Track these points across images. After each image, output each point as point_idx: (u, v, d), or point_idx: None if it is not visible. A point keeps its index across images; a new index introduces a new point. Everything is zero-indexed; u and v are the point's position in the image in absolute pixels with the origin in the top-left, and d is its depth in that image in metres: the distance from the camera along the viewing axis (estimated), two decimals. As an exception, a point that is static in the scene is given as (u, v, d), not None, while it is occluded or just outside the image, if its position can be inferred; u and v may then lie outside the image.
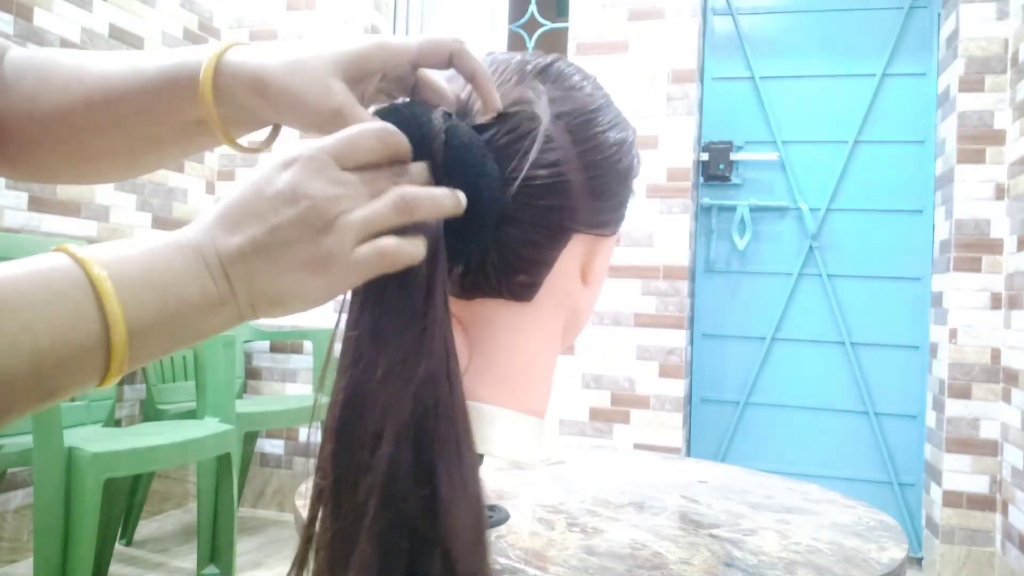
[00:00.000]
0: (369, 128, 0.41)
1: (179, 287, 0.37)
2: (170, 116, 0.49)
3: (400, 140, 0.42)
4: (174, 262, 0.38)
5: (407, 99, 0.47)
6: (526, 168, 0.46)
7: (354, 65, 0.44)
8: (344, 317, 0.43)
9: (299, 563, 0.41)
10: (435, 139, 0.43)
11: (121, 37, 2.69)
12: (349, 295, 0.43)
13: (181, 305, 0.37)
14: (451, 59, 0.45)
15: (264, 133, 0.53)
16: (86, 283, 0.35)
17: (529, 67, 0.49)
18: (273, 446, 3.00)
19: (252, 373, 3.03)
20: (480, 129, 0.46)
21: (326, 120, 0.44)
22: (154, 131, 0.50)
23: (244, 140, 0.51)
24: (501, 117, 0.46)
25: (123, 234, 2.70)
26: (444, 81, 0.48)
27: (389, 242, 0.39)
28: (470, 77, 0.46)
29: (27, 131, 0.50)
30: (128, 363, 0.36)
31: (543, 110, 0.47)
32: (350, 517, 0.39)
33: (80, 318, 0.34)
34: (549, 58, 0.50)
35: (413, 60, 0.45)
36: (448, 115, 0.45)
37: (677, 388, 2.74)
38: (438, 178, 0.43)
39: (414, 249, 0.40)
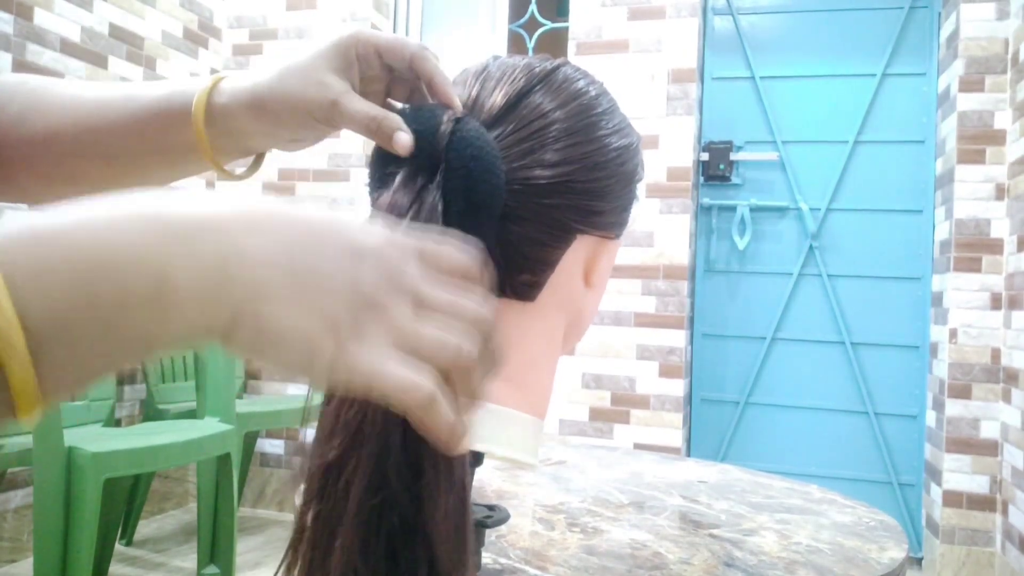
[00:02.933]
0: (453, 243, 0.36)
1: (149, 268, 0.28)
2: (161, 141, 0.51)
3: (471, 263, 0.36)
4: (144, 231, 0.28)
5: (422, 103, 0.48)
6: (530, 167, 0.46)
7: (338, 55, 0.47)
8: None
9: (294, 546, 0.41)
10: (442, 133, 0.44)
11: (121, 37, 2.69)
12: None
13: (145, 300, 0.28)
14: (411, 61, 0.47)
15: (247, 162, 0.56)
16: None
17: (535, 70, 0.50)
18: (273, 446, 3.00)
19: (252, 373, 3.03)
20: (486, 128, 0.46)
21: (326, 112, 0.46)
22: (142, 157, 0.52)
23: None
24: (507, 117, 0.47)
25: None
26: (451, 84, 0.48)
27: (431, 389, 0.32)
28: (428, 80, 0.47)
29: (12, 154, 0.51)
30: (50, 387, 0.26)
31: (548, 111, 0.48)
32: (333, 500, 0.39)
33: None
34: (555, 62, 0.51)
35: (380, 51, 0.47)
36: (455, 115, 0.45)
37: (677, 388, 2.74)
38: (443, 172, 0.44)
39: (453, 425, 0.34)
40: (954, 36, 2.65)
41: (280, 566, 0.41)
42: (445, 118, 0.44)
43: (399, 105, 0.49)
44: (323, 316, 0.31)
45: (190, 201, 0.30)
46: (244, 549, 2.47)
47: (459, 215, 0.43)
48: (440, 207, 0.43)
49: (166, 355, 0.28)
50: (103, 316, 0.27)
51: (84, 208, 0.28)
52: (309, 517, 0.40)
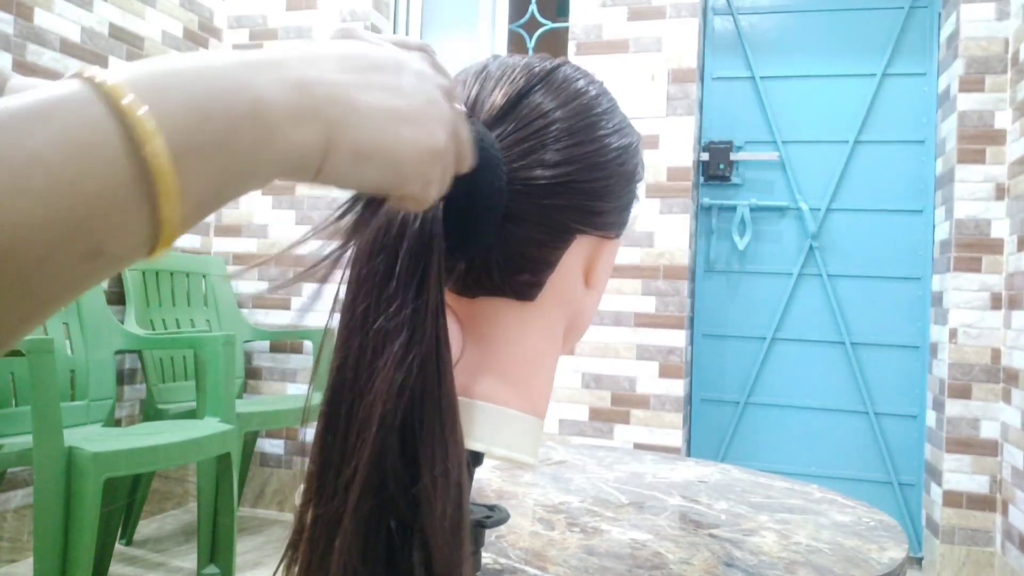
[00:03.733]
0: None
1: (243, 91, 0.30)
2: None
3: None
4: (229, 64, 0.31)
5: None
6: (530, 168, 0.46)
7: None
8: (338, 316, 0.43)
9: (293, 545, 0.41)
10: None
11: (121, 37, 2.69)
12: (343, 286, 0.43)
13: (247, 117, 0.30)
14: None
15: None
16: (104, 96, 0.27)
17: (535, 70, 0.49)
18: (273, 446, 3.00)
19: (252, 373, 3.03)
20: (487, 128, 0.46)
21: None
22: None
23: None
24: (507, 117, 0.47)
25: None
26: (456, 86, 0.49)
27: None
28: None
29: None
30: (182, 197, 0.28)
31: (548, 111, 0.48)
32: (333, 501, 0.39)
33: (98, 131, 0.26)
34: (555, 61, 0.51)
35: None
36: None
37: (677, 388, 2.74)
38: None
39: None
40: (954, 36, 2.65)
41: (279, 564, 0.41)
42: None
43: None
44: (418, 124, 0.35)
45: (260, 50, 0.33)
46: (244, 549, 2.47)
47: (461, 216, 0.43)
48: (442, 208, 0.42)
49: (280, 179, 0.33)
50: (221, 139, 0.29)
51: (187, 55, 0.31)
52: (308, 517, 0.40)
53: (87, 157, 0.26)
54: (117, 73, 0.28)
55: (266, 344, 3.03)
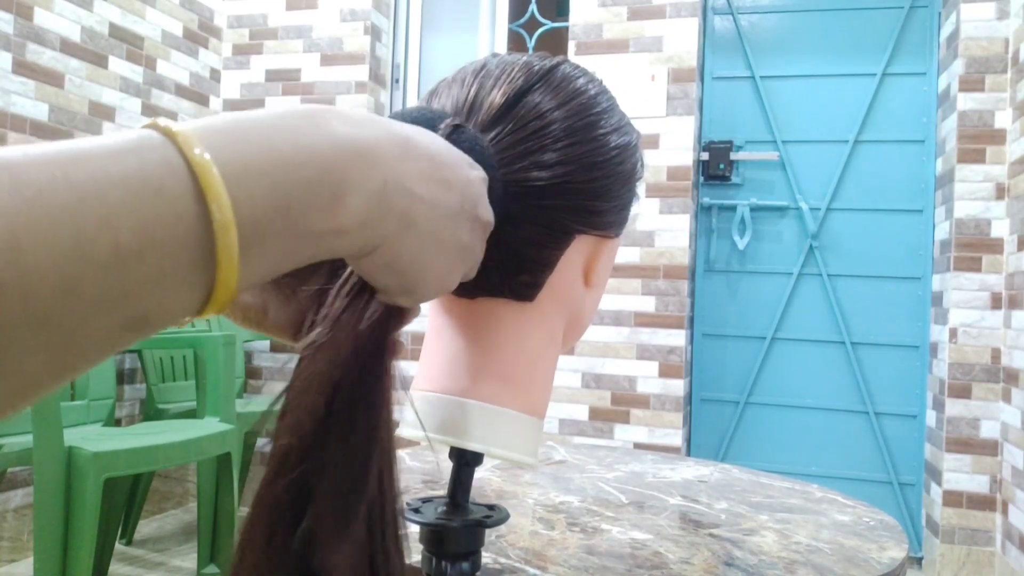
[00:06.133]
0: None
1: (326, 190, 0.30)
2: None
3: None
4: (322, 152, 0.30)
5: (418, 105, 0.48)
6: (529, 169, 0.46)
7: None
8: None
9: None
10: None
11: (121, 36, 2.69)
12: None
13: (323, 212, 0.30)
14: None
15: None
16: (183, 168, 0.26)
17: (534, 68, 0.49)
18: (273, 446, 3.00)
19: (252, 373, 3.03)
20: (485, 129, 0.46)
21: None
22: None
23: None
24: (506, 117, 0.47)
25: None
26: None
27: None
28: None
29: None
30: (239, 279, 0.28)
31: (546, 111, 0.47)
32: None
33: (173, 213, 0.25)
34: (554, 60, 0.51)
35: None
36: (453, 122, 0.45)
37: (677, 388, 2.74)
38: None
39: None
40: (954, 36, 2.65)
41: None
42: (442, 126, 0.44)
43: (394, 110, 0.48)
44: (451, 248, 0.37)
45: (347, 120, 0.32)
46: (244, 549, 2.46)
47: None
48: None
49: (318, 260, 0.32)
50: (291, 221, 0.29)
51: (274, 113, 0.30)
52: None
53: (156, 230, 0.25)
54: (199, 143, 0.27)
55: (266, 344, 3.03)
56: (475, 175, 0.40)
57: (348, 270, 0.38)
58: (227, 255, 0.27)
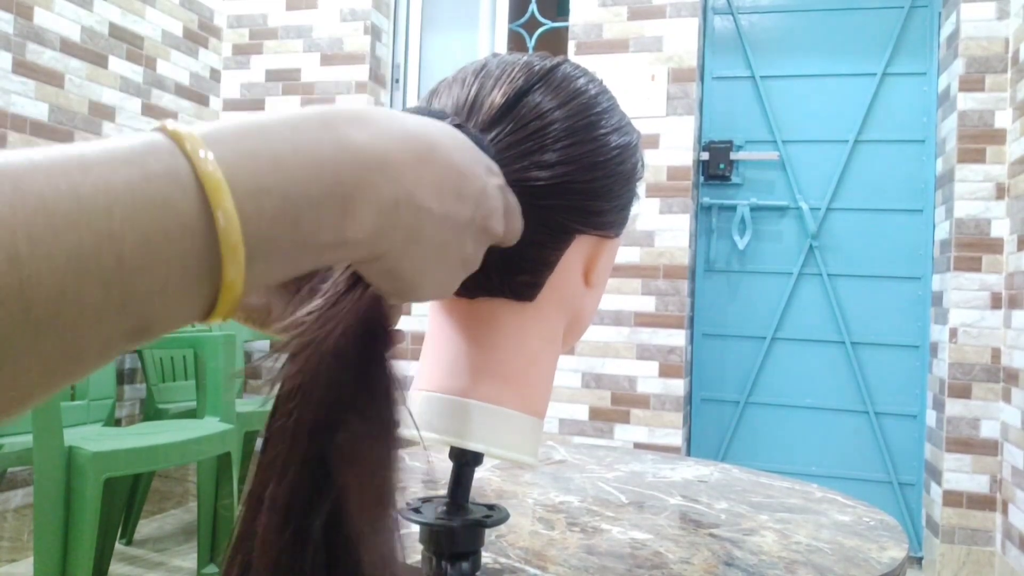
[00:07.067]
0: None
1: (337, 200, 0.30)
2: None
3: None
4: (338, 163, 0.30)
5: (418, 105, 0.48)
6: (529, 169, 0.46)
7: None
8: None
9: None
10: None
11: (121, 36, 2.69)
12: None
13: (332, 218, 0.30)
14: None
15: None
16: (191, 181, 0.26)
17: (535, 68, 0.49)
18: (273, 446, 3.00)
19: (252, 372, 3.03)
20: (485, 128, 0.46)
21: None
22: None
23: None
24: (506, 117, 0.46)
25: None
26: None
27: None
28: None
29: None
30: (243, 291, 0.28)
31: (547, 111, 0.47)
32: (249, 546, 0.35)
33: (179, 226, 0.25)
34: (555, 60, 0.51)
35: None
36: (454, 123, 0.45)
37: (677, 388, 2.74)
38: None
39: None
40: (954, 35, 2.65)
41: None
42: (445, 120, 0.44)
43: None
44: (453, 259, 0.37)
45: (366, 127, 0.32)
46: (244, 549, 2.46)
47: None
48: None
49: (322, 266, 0.32)
50: (299, 235, 0.29)
51: (291, 119, 0.30)
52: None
53: (161, 244, 0.25)
54: (210, 154, 0.26)
55: (266, 344, 3.03)
56: (492, 184, 0.39)
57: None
58: (233, 269, 0.27)
